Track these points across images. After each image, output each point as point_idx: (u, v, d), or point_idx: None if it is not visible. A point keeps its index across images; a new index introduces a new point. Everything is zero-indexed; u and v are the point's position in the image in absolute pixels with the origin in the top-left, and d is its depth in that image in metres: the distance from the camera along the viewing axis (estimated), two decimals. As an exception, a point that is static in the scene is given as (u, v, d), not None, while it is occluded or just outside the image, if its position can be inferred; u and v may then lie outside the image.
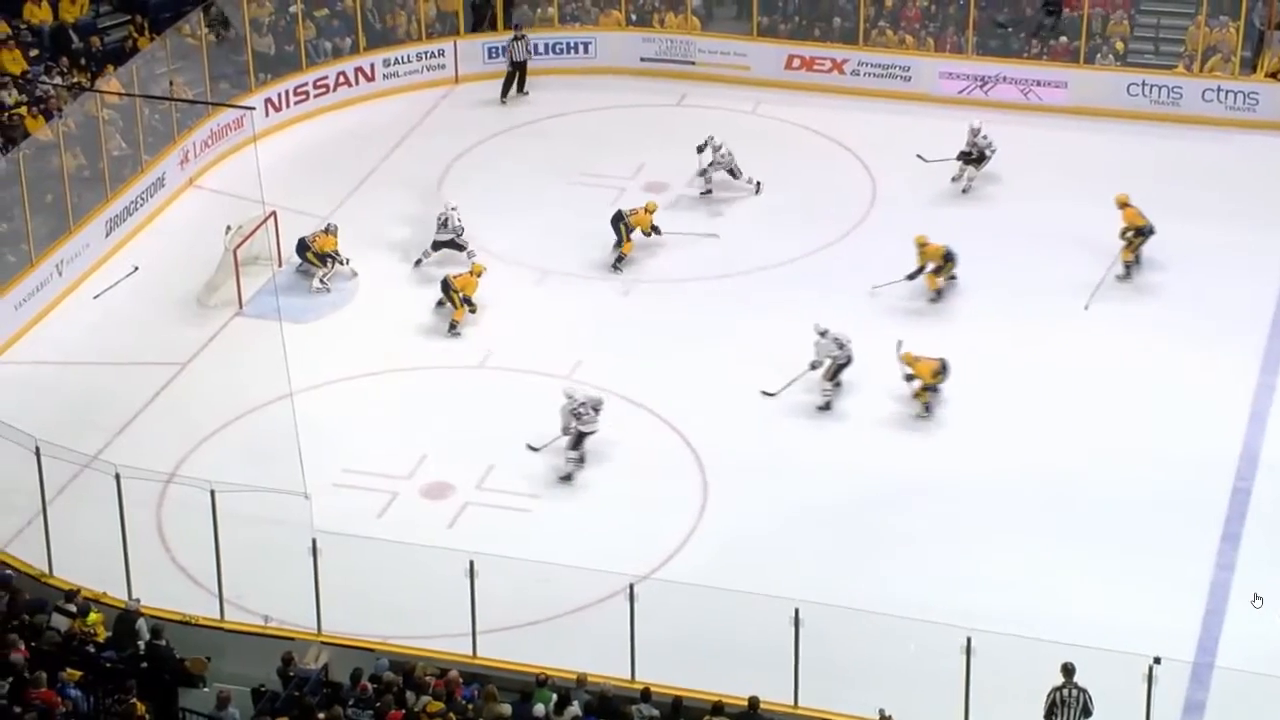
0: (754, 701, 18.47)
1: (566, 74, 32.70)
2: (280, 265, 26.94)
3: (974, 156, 28.77)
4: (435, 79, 32.48)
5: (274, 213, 26.85)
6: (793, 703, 18.98)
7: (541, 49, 32.69)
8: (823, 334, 24.04)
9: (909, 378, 23.81)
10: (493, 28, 32.51)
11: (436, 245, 26.96)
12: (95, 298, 26.71)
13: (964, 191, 28.72)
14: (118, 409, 24.07)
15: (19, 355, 25.44)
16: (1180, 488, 22.49)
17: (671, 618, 19.61)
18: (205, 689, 18.95)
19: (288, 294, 26.13)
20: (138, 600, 19.86)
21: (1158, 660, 17.69)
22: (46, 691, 17.95)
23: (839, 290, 26.16)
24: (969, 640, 18.04)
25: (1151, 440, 23.29)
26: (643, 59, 32.85)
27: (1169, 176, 29.32)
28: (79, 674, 18.55)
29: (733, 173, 28.72)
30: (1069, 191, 28.53)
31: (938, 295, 25.96)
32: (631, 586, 19.23)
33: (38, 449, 20.65)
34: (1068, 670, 18.23)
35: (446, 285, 25.83)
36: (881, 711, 18.12)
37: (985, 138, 28.73)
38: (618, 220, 27.22)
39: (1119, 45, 31.83)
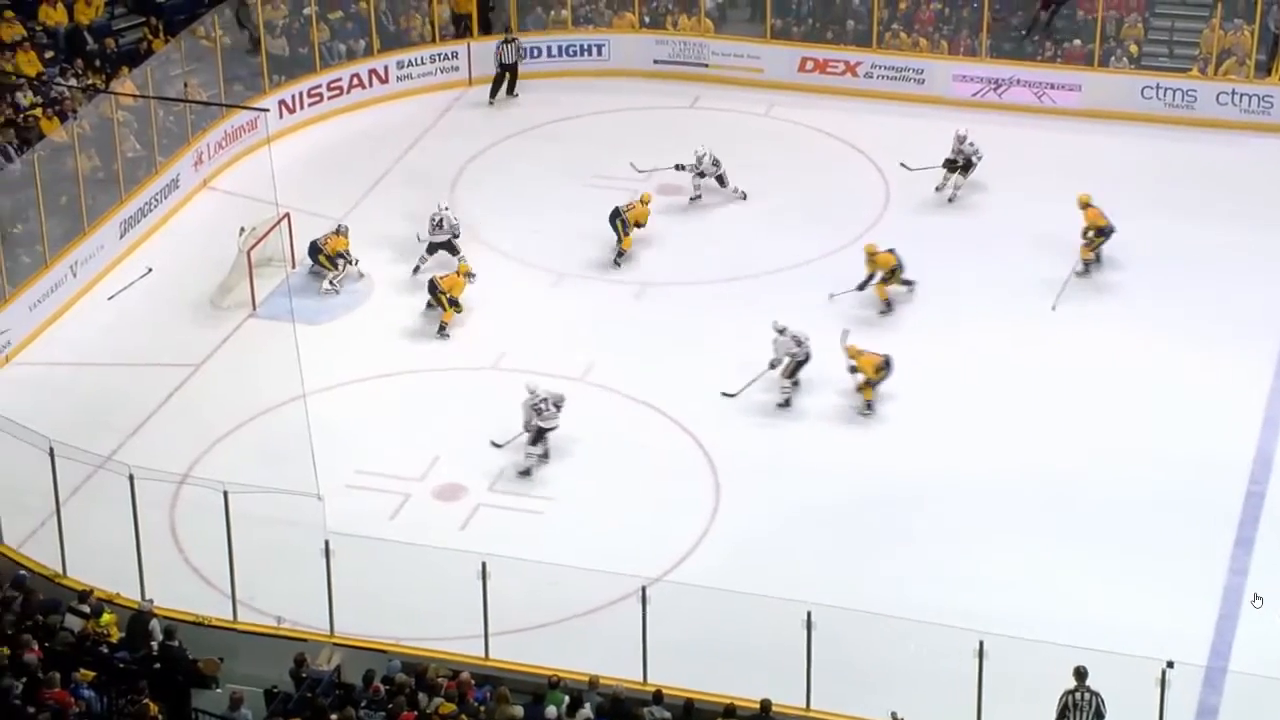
0: (766, 704, 18.46)
1: (580, 76, 32.71)
2: (294, 267, 26.97)
3: (960, 164, 28.70)
4: (449, 81, 32.50)
5: (287, 214, 26.89)
6: (805, 705, 18.97)
7: (555, 51, 32.71)
8: (781, 331, 24.12)
9: (853, 370, 23.85)
10: (486, 32, 32.51)
11: (432, 248, 26.92)
12: (109, 299, 26.76)
13: (950, 200, 28.65)
14: (131, 410, 24.11)
15: (34, 356, 25.50)
16: (1194, 491, 22.45)
17: (684, 620, 19.61)
18: (218, 690, 18.98)
19: (301, 296, 26.18)
20: (151, 601, 19.90)
21: (1171, 664, 17.66)
22: (60, 692, 17.99)
23: (852, 293, 26.14)
24: (981, 644, 18.03)
25: (1165, 443, 23.26)
26: (656, 61, 32.85)
27: (1183, 180, 29.30)
28: (92, 674, 18.58)
29: (721, 180, 28.71)
30: (1080, 194, 28.48)
31: (888, 307, 25.84)
32: (644, 589, 19.23)
33: (51, 450, 20.69)
34: (1080, 674, 18.21)
35: (434, 287, 25.85)
36: (894, 714, 18.11)
37: (971, 144, 28.64)
38: (615, 217, 27.27)
39: (1133, 48, 31.79)
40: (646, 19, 33.09)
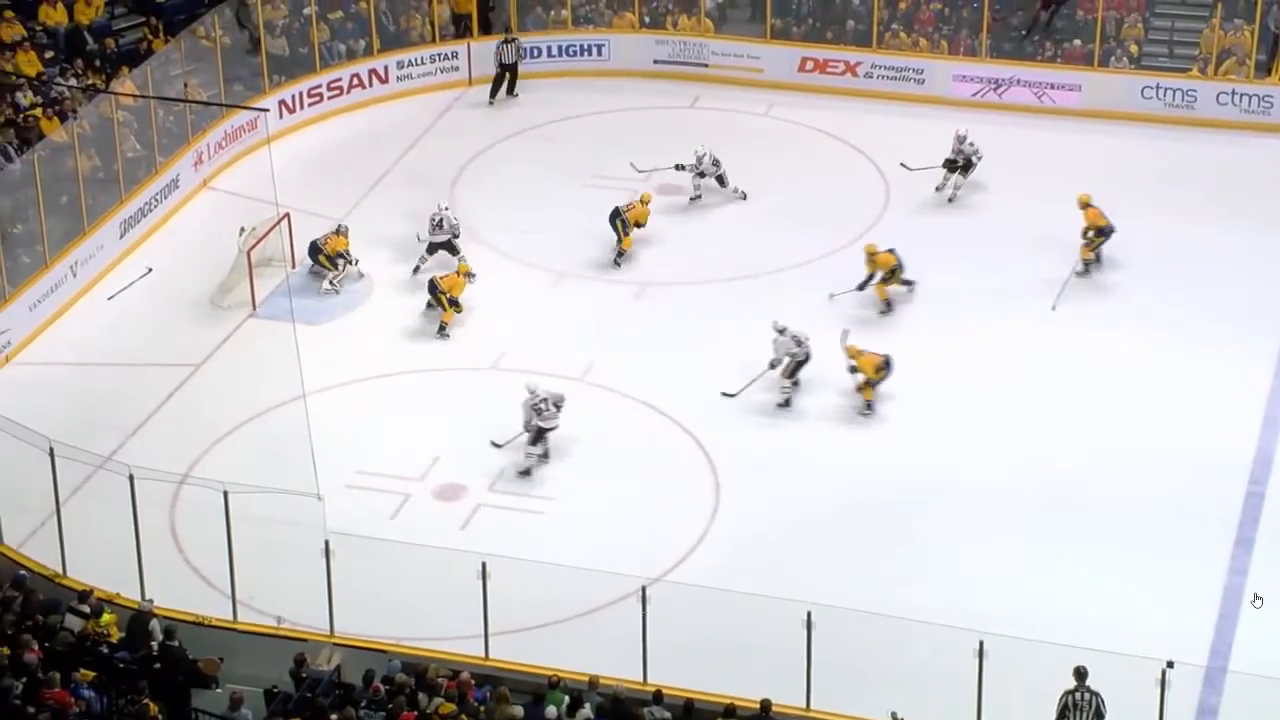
0: (766, 704, 18.46)
1: (580, 76, 32.72)
2: (294, 267, 26.97)
3: (960, 164, 28.69)
4: (449, 81, 32.50)
5: (287, 214, 26.89)
6: (805, 706, 18.97)
7: (555, 51, 32.72)
8: (781, 332, 24.14)
9: (852, 370, 23.86)
10: (486, 32, 32.51)
11: (432, 248, 26.91)
12: (109, 299, 26.76)
13: (950, 200, 28.64)
14: (131, 410, 24.12)
15: (33, 356, 25.50)
16: (1194, 491, 22.45)
17: (684, 620, 19.61)
18: (218, 690, 18.98)
19: (301, 296, 26.18)
20: (151, 601, 19.90)
21: (1171, 664, 17.67)
22: (60, 692, 17.98)
23: (852, 293, 26.15)
24: (981, 643, 18.03)
25: (1165, 443, 23.26)
26: (656, 61, 32.85)
27: (1183, 180, 29.30)
28: (92, 674, 18.59)
29: (721, 180, 28.71)
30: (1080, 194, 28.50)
31: (888, 307, 25.83)
32: (644, 588, 19.23)
33: (51, 450, 20.69)
34: (1080, 674, 18.21)
35: (434, 287, 25.85)
36: (894, 715, 18.11)
37: (971, 144, 28.63)
38: (615, 217, 27.28)
39: (1133, 48, 31.79)
40: (646, 19, 33.09)
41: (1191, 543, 21.70)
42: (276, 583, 20.67)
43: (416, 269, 26.92)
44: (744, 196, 28.75)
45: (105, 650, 19.19)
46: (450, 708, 18.32)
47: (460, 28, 32.73)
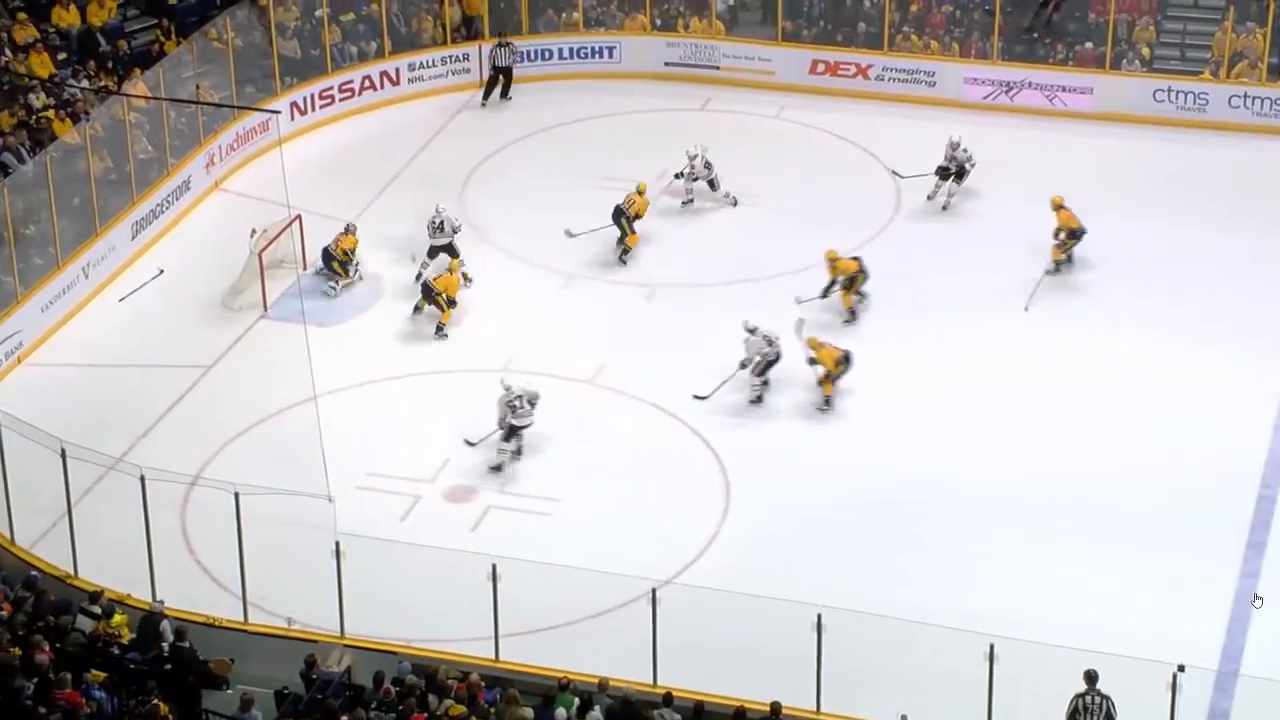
0: (776, 706, 18.45)
1: (591, 79, 32.73)
2: (305, 269, 27.00)
3: (953, 171, 28.59)
4: (460, 83, 32.53)
5: (299, 216, 26.93)
6: (815, 708, 18.96)
7: (566, 54, 32.73)
8: (752, 331, 24.17)
9: (811, 361, 23.86)
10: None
11: (434, 251, 26.85)
12: (121, 300, 26.80)
13: (944, 208, 28.54)
14: (143, 411, 24.15)
15: (45, 357, 25.54)
16: (1205, 495, 22.43)
17: (694, 622, 19.60)
18: (228, 691, 18.99)
19: (312, 297, 26.21)
20: (162, 602, 19.92)
21: (1182, 668, 17.65)
22: (71, 693, 18.01)
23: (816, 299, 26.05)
24: (992, 647, 18.02)
25: (1175, 447, 23.23)
26: (667, 64, 32.86)
27: (1195, 183, 29.26)
28: (103, 675, 18.60)
29: (712, 184, 28.66)
30: (1092, 197, 28.43)
31: (852, 315, 25.76)
32: (654, 590, 19.24)
33: (63, 451, 20.72)
34: (1090, 677, 18.19)
35: (428, 288, 25.82)
36: (904, 718, 18.09)
37: (965, 151, 28.51)
38: (618, 215, 27.27)
39: (1145, 51, 31.76)
40: (658, 21, 33.10)
41: (1203, 546, 21.67)
42: (287, 584, 20.69)
43: (419, 275, 26.77)
44: (735, 203, 28.69)
45: (116, 651, 19.21)
46: (460, 709, 18.32)
47: (471, 30, 32.75)
